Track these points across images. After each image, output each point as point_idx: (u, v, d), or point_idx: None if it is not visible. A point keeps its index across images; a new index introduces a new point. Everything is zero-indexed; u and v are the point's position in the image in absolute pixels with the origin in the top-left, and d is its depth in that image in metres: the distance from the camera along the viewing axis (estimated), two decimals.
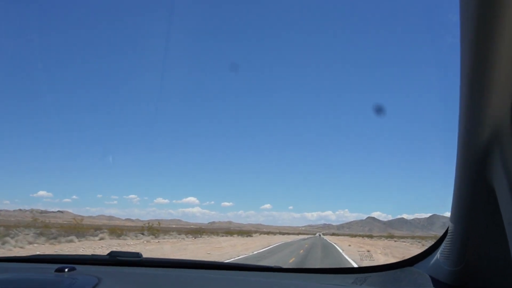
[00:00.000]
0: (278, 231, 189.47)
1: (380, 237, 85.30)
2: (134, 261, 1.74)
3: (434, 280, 1.23)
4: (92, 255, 2.03)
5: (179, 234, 39.23)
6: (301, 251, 22.65)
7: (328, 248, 27.77)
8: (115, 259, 1.74)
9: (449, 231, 1.14)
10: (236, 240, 38.62)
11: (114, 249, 2.58)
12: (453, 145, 0.92)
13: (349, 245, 35.12)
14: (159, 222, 36.31)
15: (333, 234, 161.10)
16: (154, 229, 32.49)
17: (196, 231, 42.25)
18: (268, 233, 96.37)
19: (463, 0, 0.73)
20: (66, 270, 1.41)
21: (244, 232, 69.27)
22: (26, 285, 1.24)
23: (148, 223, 34.32)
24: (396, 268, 1.58)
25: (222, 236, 48.25)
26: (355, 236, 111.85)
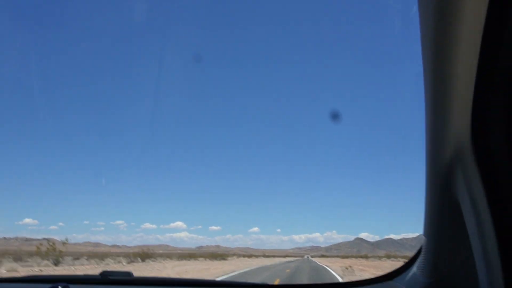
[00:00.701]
0: (262, 253, 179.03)
1: (377, 257, 75.48)
2: (125, 280, 1.80)
3: None
4: (85, 275, 2.19)
5: (117, 257, 31.04)
6: (277, 281, 15.12)
7: (320, 275, 19.30)
8: (107, 279, 1.80)
9: (423, 245, 1.20)
10: (195, 265, 29.85)
11: None
12: None
13: (347, 268, 27.06)
14: (65, 241, 24.56)
15: (322, 256, 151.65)
16: (55, 252, 21.95)
17: (142, 255, 32.31)
18: (250, 256, 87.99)
19: (422, 26, 0.78)
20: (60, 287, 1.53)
21: (218, 255, 59.18)
22: None
23: (48, 242, 23.41)
24: (376, 282, 1.65)
25: (182, 260, 39.25)
26: (347, 257, 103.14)
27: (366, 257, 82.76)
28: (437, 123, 0.86)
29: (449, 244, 1.04)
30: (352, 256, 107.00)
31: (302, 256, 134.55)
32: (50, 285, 1.59)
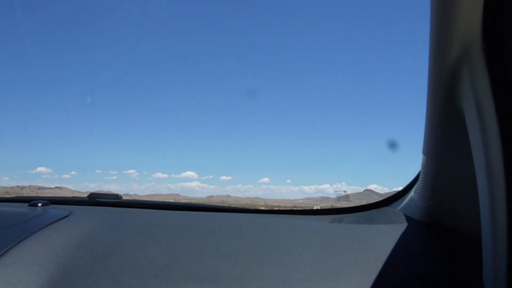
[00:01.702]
0: (264, 203, 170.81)
1: None
2: (113, 202, 1.77)
3: (407, 218, 1.26)
4: (72, 196, 2.12)
5: None
6: None
7: None
8: (94, 200, 1.77)
9: (422, 162, 1.13)
10: None
11: None
12: None
13: None
14: None
15: (331, 207, 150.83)
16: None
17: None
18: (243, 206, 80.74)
19: None
20: (40, 204, 1.45)
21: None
22: None
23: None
24: (372, 208, 1.59)
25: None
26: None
27: None
28: (444, 17, 0.75)
29: (450, 161, 0.95)
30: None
31: (312, 207, 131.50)
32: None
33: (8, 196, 1.98)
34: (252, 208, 1.78)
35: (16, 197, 1.96)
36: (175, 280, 0.84)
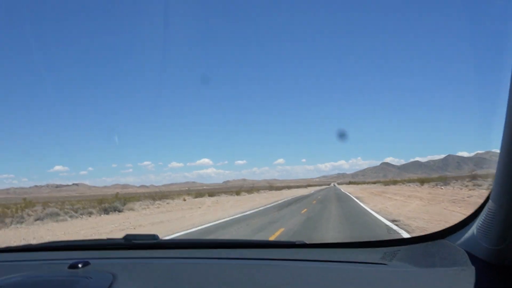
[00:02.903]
0: (268, 184, 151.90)
1: (429, 181, 43.42)
2: (150, 243, 1.70)
3: (470, 256, 1.16)
4: (108, 239, 2.05)
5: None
6: None
7: None
8: (131, 243, 1.69)
9: (489, 207, 1.04)
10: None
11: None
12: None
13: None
14: None
15: (350, 183, 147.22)
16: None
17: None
18: (251, 190, 60.65)
19: None
20: (80, 266, 1.36)
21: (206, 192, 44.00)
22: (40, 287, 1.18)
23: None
24: (426, 240, 1.49)
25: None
26: (388, 183, 73.12)
27: (422, 181, 45.29)
28: None
29: None
30: (388, 182, 79.18)
31: (329, 185, 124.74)
32: (69, 253, 1.47)
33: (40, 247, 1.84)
34: (300, 242, 1.63)
35: (46, 244, 1.84)
36: None
